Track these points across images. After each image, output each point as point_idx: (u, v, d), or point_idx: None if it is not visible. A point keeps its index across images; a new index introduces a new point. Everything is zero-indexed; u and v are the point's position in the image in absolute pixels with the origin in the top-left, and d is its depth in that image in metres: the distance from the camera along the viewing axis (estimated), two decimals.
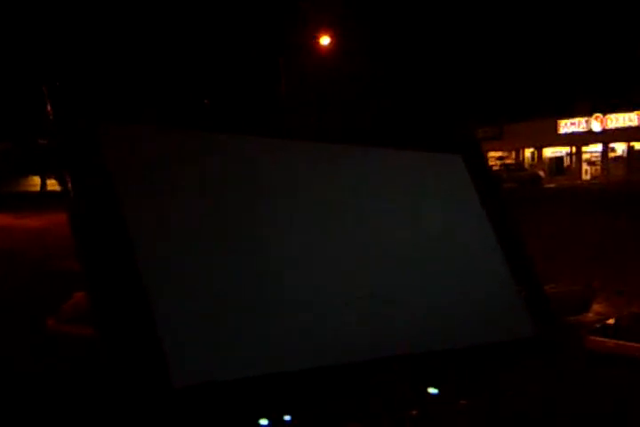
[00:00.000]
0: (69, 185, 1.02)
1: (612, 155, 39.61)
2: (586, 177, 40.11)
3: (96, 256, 0.99)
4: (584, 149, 40.46)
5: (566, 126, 40.24)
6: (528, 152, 43.21)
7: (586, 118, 39.18)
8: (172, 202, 1.13)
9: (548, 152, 42.40)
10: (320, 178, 1.36)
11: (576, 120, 39.75)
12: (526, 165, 40.77)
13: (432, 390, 1.13)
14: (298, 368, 1.07)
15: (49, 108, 1.03)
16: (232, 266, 1.12)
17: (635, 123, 37.42)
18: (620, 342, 1.72)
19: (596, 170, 40.23)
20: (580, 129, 39.65)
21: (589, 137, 39.02)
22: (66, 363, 1.40)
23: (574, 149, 40.90)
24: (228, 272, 1.11)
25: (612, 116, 38.12)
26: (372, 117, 1.64)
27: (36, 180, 39.33)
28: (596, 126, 38.84)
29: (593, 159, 40.73)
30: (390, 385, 1.12)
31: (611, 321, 2.05)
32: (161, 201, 1.12)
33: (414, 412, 1.05)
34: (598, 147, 39.65)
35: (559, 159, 42.38)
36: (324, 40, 27.91)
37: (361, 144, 1.48)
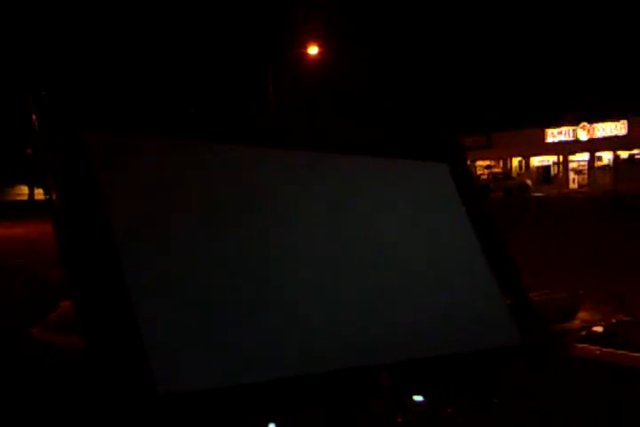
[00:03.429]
0: (55, 194, 1.02)
1: (598, 164, 39.91)
2: (573, 186, 40.37)
3: (81, 265, 0.99)
4: (571, 158, 40.75)
5: (553, 135, 40.55)
6: (516, 161, 43.47)
7: (573, 128, 39.50)
8: (160, 211, 1.13)
9: (536, 161, 42.68)
10: (315, 186, 1.37)
11: (563, 129, 40.06)
12: (514, 174, 40.99)
13: (417, 398, 1.13)
14: (282, 376, 1.07)
15: (34, 117, 1.02)
16: (220, 274, 1.12)
17: (621, 132, 37.76)
18: (607, 350, 1.72)
19: (583, 179, 40.52)
20: (567, 138, 39.96)
21: (576, 146, 39.33)
22: (51, 372, 1.39)
23: (561, 158, 41.19)
24: (215, 280, 1.11)
25: (599, 125, 38.46)
26: (359, 125, 1.65)
27: (24, 189, 39.14)
28: (582, 135, 39.15)
29: (580, 168, 41.02)
30: (375, 393, 1.12)
31: (597, 328, 2.06)
32: (148, 210, 1.12)
33: (399, 420, 1.05)
34: (585, 156, 39.96)
35: (546, 168, 42.65)
36: (313, 50, 28.04)
37: (348, 152, 1.49)
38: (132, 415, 0.90)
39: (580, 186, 39.66)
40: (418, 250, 1.46)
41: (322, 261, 1.26)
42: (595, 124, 38.54)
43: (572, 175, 41.18)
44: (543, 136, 40.59)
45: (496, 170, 40.86)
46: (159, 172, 1.17)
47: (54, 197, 1.01)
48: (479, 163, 41.20)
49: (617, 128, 37.86)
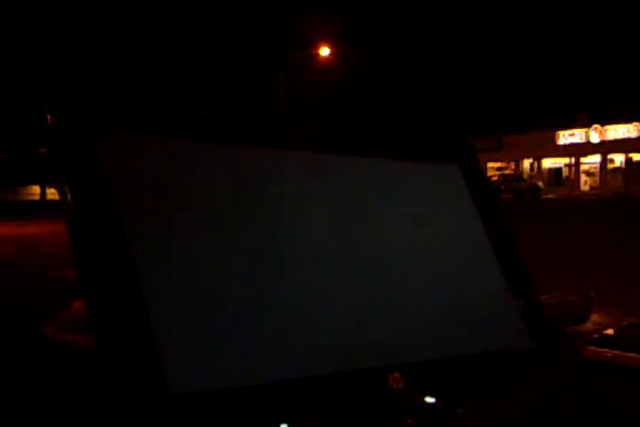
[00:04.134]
0: (68, 194, 1.02)
1: (610, 166, 39.63)
2: (584, 188, 40.10)
3: (94, 265, 0.99)
4: (582, 160, 40.50)
5: (565, 137, 40.29)
6: (527, 163, 43.24)
7: (585, 130, 39.23)
8: (171, 210, 1.14)
9: (547, 163, 42.43)
10: (320, 186, 1.37)
11: (575, 131, 39.79)
12: (525, 176, 40.77)
13: (429, 400, 1.13)
14: (294, 377, 1.07)
15: (49, 117, 1.04)
16: (230, 277, 1.12)
17: (633, 134, 37.47)
18: (618, 353, 1.71)
19: (595, 181, 40.24)
20: (579, 140, 39.69)
21: (588, 148, 39.06)
22: (63, 370, 1.40)
23: (573, 160, 40.94)
24: (227, 284, 1.11)
25: (611, 127, 38.18)
26: (370, 128, 1.65)
27: (36, 189, 39.27)
28: (594, 138, 38.88)
29: (591, 170, 40.75)
30: (386, 394, 1.13)
31: (608, 331, 2.05)
32: (160, 209, 1.13)
33: (410, 421, 1.05)
34: (597, 158, 39.69)
35: (558, 170, 42.40)
36: (324, 51, 28.00)
37: (361, 154, 1.49)
38: (144, 415, 0.90)
39: (592, 188, 39.39)
40: (428, 251, 1.46)
41: (332, 263, 1.26)
42: (606, 127, 38.26)
43: (583, 177, 40.90)
44: (555, 138, 40.34)
45: (507, 172, 40.69)
46: (171, 172, 1.17)
47: (68, 195, 1.02)
48: (490, 164, 41.04)
49: (629, 130, 37.57)
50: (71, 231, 1.01)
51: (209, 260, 1.12)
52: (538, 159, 42.48)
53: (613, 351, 1.72)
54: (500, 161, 42.58)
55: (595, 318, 2.77)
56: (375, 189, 1.47)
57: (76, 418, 1.15)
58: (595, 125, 38.64)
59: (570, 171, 41.80)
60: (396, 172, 1.54)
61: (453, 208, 1.58)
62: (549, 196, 33.65)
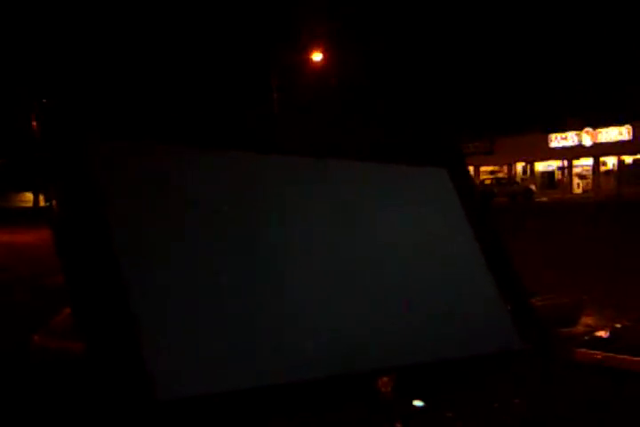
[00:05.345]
0: (55, 202, 1.02)
1: (602, 169, 39.85)
2: (577, 190, 40.30)
3: (81, 273, 0.99)
4: (575, 162, 40.71)
5: (557, 140, 40.50)
6: (519, 166, 43.44)
7: (577, 132, 39.45)
8: (162, 218, 1.14)
9: (540, 166, 42.65)
10: (319, 188, 1.38)
11: (567, 134, 40.01)
12: (518, 179, 40.94)
13: (417, 403, 1.13)
14: (282, 381, 1.07)
15: (36, 124, 1.03)
16: (221, 278, 1.12)
17: (625, 137, 37.70)
18: (609, 355, 1.73)
19: (587, 183, 40.45)
20: (571, 143, 39.91)
21: (580, 151, 39.28)
22: (52, 377, 1.40)
23: (565, 162, 41.14)
24: (215, 286, 1.11)
25: (603, 130, 38.41)
26: (359, 131, 1.66)
27: (29, 196, 39.19)
28: (586, 140, 39.09)
29: (584, 173, 40.97)
30: (375, 398, 1.12)
31: (600, 333, 2.07)
32: (150, 218, 1.12)
33: (398, 425, 1.05)
34: (589, 161, 39.91)
35: (550, 173, 42.62)
36: (317, 56, 28.08)
37: (347, 157, 1.49)
38: (131, 421, 0.90)
39: (585, 191, 39.60)
40: (417, 254, 1.46)
41: (321, 267, 1.26)
42: (598, 129, 38.49)
43: (576, 180, 41.12)
44: (547, 141, 40.54)
45: (500, 175, 40.87)
46: (161, 179, 1.17)
47: (55, 204, 1.01)
48: (483, 168, 41.25)
49: (621, 133, 37.81)
50: (57, 239, 1.01)
51: (197, 264, 1.12)
52: (530, 162, 42.65)
53: (604, 353, 1.72)
54: (493, 165, 42.74)
55: (586, 319, 2.78)
56: (370, 191, 1.48)
57: (66, 424, 1.15)
58: (587, 128, 38.83)
59: (562, 174, 41.98)
60: (388, 174, 1.55)
61: (442, 212, 1.58)
62: (542, 199, 33.80)
